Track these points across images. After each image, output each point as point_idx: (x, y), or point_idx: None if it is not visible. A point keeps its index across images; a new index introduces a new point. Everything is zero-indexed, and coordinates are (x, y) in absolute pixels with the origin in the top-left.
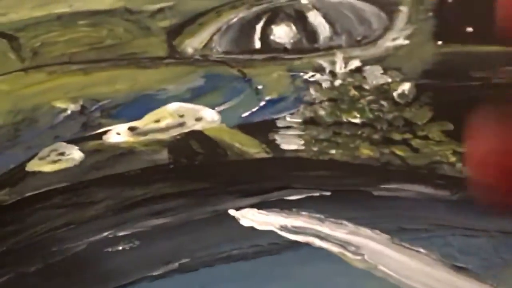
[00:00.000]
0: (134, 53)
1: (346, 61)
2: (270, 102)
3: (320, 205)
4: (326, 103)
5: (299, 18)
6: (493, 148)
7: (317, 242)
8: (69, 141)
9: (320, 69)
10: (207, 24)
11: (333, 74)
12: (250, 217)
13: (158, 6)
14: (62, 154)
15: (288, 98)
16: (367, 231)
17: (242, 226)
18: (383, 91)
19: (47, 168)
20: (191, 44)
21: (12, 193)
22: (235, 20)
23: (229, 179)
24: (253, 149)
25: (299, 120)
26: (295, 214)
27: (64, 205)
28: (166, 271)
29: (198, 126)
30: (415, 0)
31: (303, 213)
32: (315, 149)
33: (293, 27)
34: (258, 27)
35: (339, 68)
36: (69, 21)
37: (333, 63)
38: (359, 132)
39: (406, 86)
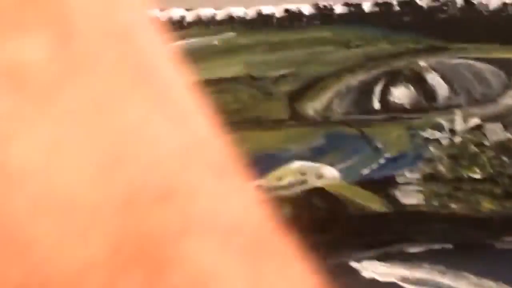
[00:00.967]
0: (258, 116)
1: (466, 119)
2: (390, 160)
3: (441, 258)
4: (446, 159)
5: (418, 79)
6: None
7: None
8: None
9: (439, 127)
10: (328, 88)
11: (452, 131)
12: (371, 269)
13: (281, 72)
14: None
15: (407, 156)
16: (490, 283)
17: (363, 277)
18: (504, 147)
19: None
20: (313, 107)
21: None
22: (354, 83)
23: (350, 232)
24: (374, 204)
25: (419, 176)
26: (416, 266)
27: None
28: None
29: (319, 183)
30: None
31: (425, 265)
32: (435, 203)
33: (412, 88)
34: (377, 89)
35: (459, 126)
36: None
37: (452, 121)
38: (480, 187)
39: None
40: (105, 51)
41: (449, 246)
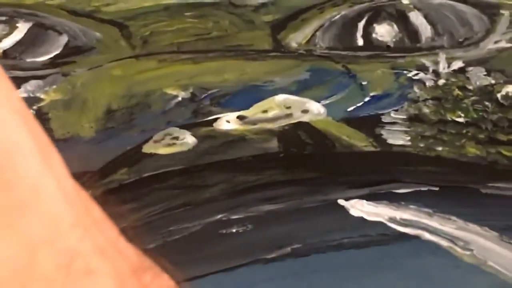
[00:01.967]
0: (240, 45)
1: (449, 61)
2: (375, 98)
3: (428, 200)
4: (430, 101)
5: (401, 18)
6: None
7: (426, 236)
8: (182, 126)
9: (423, 68)
10: (310, 20)
11: (436, 73)
12: (359, 208)
13: (260, 1)
14: (176, 138)
15: (392, 95)
16: (475, 227)
17: (351, 216)
18: (486, 92)
19: (162, 151)
20: (295, 39)
21: (131, 173)
22: (337, 17)
23: (338, 170)
24: (360, 142)
25: (404, 117)
26: (403, 207)
27: (180, 186)
28: (279, 255)
29: (305, 118)
30: None
31: (412, 206)
32: (421, 145)
33: (395, 26)
34: (360, 25)
35: (442, 68)
36: (176, 12)
37: (436, 62)
38: (464, 131)
39: (510, 88)
40: None
41: (435, 188)
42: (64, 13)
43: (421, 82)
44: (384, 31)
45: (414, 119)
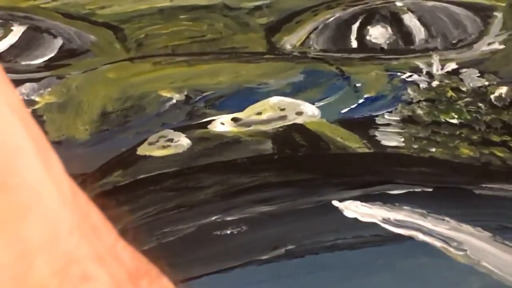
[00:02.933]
0: (235, 47)
1: (443, 63)
2: (369, 100)
3: (422, 201)
4: (424, 103)
5: (395, 20)
6: None
7: (420, 236)
8: (176, 129)
9: (417, 70)
10: (304, 23)
11: (430, 75)
12: (353, 209)
13: (255, 3)
14: (170, 140)
15: (386, 97)
16: (469, 228)
17: (345, 217)
18: (480, 94)
19: (157, 153)
20: (289, 41)
21: (125, 175)
22: (331, 19)
23: (332, 171)
24: (354, 143)
25: (398, 118)
26: (397, 208)
27: (175, 188)
28: (273, 256)
29: (299, 120)
30: (510, 7)
31: (406, 207)
32: (415, 146)
33: (389, 29)
34: (354, 27)
35: (436, 70)
36: (171, 15)
37: (429, 64)
38: (458, 132)
39: (503, 90)
40: None
41: (429, 189)
42: (59, 16)
43: (414, 83)
44: (378, 33)
45: (407, 121)
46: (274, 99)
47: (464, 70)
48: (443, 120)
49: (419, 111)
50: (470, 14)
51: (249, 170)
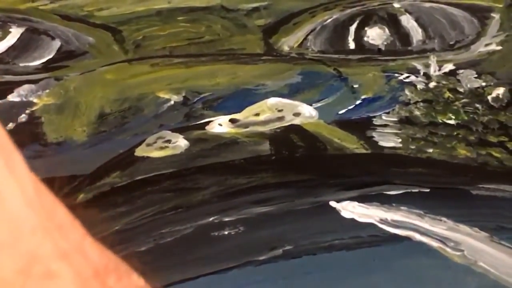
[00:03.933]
0: (233, 49)
1: (440, 64)
2: (366, 101)
3: (419, 201)
4: (421, 103)
5: (392, 21)
6: None
7: (417, 237)
8: (174, 130)
9: (414, 71)
10: (302, 24)
11: (427, 76)
12: (350, 210)
13: (253, 5)
14: (168, 141)
15: (383, 98)
16: (466, 228)
17: (343, 217)
18: (477, 95)
19: (155, 154)
20: (287, 43)
21: (123, 176)
22: (329, 21)
23: (329, 172)
24: (352, 144)
25: (395, 119)
26: (394, 208)
27: (172, 189)
28: (270, 257)
29: (296, 121)
30: (507, 8)
31: (403, 208)
32: (412, 147)
33: (386, 30)
34: (352, 28)
35: (433, 71)
36: (168, 16)
37: (427, 65)
38: (455, 133)
39: (500, 91)
40: None
41: (426, 190)
42: (57, 18)
43: (412, 84)
44: (376, 35)
45: (405, 122)
46: (272, 100)
47: (461, 71)
48: (440, 121)
49: (417, 112)
50: (468, 15)
51: (246, 171)
